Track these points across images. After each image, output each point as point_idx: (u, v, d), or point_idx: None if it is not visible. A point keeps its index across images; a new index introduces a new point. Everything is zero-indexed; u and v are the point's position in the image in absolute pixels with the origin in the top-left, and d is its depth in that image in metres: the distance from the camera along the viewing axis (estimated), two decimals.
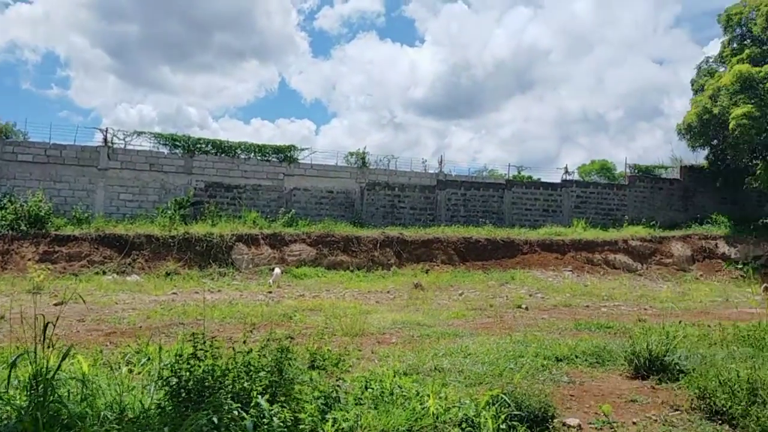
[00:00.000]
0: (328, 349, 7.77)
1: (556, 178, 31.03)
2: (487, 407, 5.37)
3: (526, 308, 15.22)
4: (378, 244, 23.94)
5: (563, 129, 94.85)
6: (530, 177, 31.70)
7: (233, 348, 5.62)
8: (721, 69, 29.24)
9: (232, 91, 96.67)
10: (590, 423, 5.90)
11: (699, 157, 31.79)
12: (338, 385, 5.70)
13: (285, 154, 26.73)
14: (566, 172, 31.45)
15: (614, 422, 5.87)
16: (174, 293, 16.66)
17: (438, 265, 23.76)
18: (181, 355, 5.22)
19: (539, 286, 20.59)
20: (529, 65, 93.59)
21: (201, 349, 5.24)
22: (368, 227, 25.94)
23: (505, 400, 5.53)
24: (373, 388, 5.80)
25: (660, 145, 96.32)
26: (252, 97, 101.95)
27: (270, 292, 17.55)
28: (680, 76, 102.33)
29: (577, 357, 8.48)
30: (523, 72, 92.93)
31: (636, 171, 31.79)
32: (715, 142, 28.29)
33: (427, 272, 22.85)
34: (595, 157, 72.25)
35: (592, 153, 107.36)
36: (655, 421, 6.01)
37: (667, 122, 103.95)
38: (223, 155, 25.99)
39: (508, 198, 29.33)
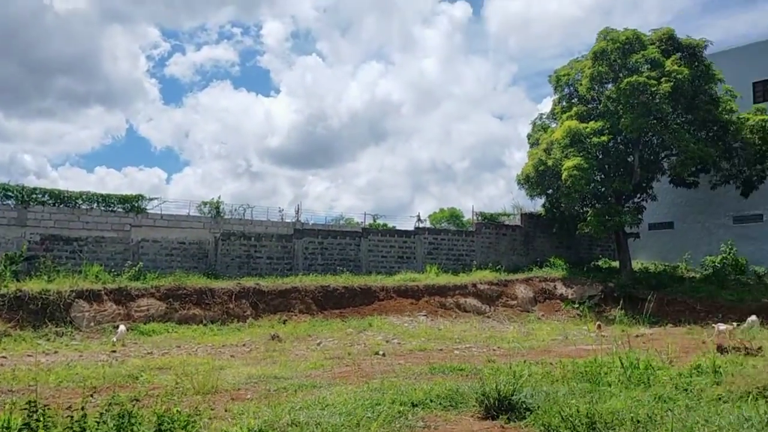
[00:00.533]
0: (177, 410, 7.33)
1: (409, 226, 32.02)
2: None
3: (383, 354, 15.37)
4: (233, 296, 23.25)
5: (415, 178, 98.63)
6: (385, 225, 32.47)
7: (71, 416, 5.15)
8: (553, 125, 31.94)
9: (73, 137, 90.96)
10: None
11: (537, 205, 34.28)
12: None
13: (132, 204, 25.38)
14: (419, 219, 32.62)
15: None
16: (2, 357, 15.07)
17: (296, 315, 23.46)
18: (9, 428, 4.70)
19: (396, 332, 20.93)
20: (382, 117, 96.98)
21: (33, 419, 4.75)
22: (223, 278, 25.14)
23: None
24: None
25: (503, 194, 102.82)
26: (96, 144, 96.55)
27: (114, 352, 16.37)
28: (519, 131, 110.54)
29: (431, 401, 8.65)
30: (376, 123, 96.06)
31: (482, 218, 33.59)
32: (550, 191, 30.61)
33: (284, 323, 22.47)
34: (445, 205, 75.64)
35: (442, 201, 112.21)
36: None
37: (508, 173, 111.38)
38: (62, 206, 24.19)
39: (364, 246, 29.77)
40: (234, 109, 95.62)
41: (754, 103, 31.07)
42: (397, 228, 31.83)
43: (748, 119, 27.93)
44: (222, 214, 27.46)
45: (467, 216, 38.76)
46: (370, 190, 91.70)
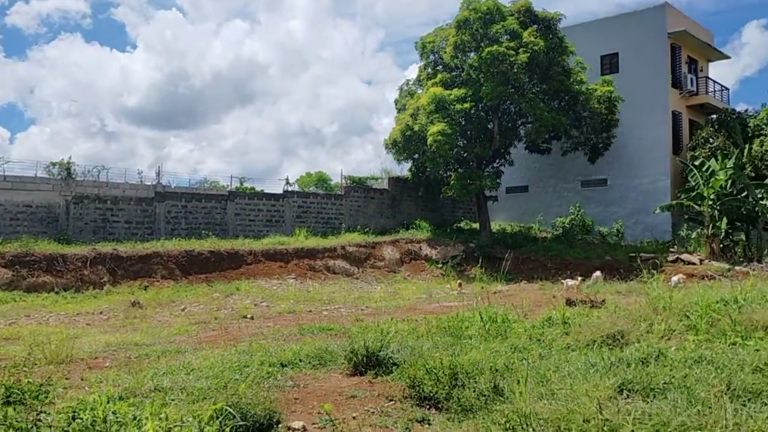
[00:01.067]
0: (27, 381, 6.84)
1: (278, 189, 31.63)
2: (211, 422, 5.20)
3: (252, 318, 15.20)
4: (88, 262, 21.91)
5: (283, 142, 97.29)
6: (253, 188, 31.81)
7: None
8: (420, 91, 32.56)
9: None
10: (314, 423, 6.07)
11: (404, 169, 34.98)
12: (39, 419, 5.04)
13: None
14: (288, 183, 32.30)
15: (336, 419, 6.12)
16: None
17: (158, 281, 22.56)
18: None
19: (264, 295, 20.73)
20: (248, 78, 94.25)
21: None
22: (77, 244, 23.58)
23: (229, 412, 5.42)
24: (82, 418, 5.23)
25: (371, 159, 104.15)
26: None
27: None
28: (386, 96, 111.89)
29: (301, 361, 8.69)
30: (242, 85, 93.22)
31: (351, 182, 33.81)
32: (416, 156, 31.32)
33: (146, 289, 21.54)
34: (313, 168, 75.36)
35: (311, 165, 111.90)
36: (373, 413, 6.42)
37: (376, 138, 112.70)
38: None
39: (231, 209, 29.04)
40: (85, 65, 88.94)
41: (602, 75, 33.37)
42: (266, 191, 31.31)
43: (596, 90, 29.98)
44: (74, 176, 25.64)
45: (336, 180, 38.96)
46: (236, 153, 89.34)
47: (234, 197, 29.42)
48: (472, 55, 29.76)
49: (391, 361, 8.14)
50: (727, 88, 37.59)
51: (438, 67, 31.69)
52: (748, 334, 9.08)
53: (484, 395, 6.38)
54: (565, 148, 31.44)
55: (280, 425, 5.79)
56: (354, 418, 6.25)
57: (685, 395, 5.95)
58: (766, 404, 5.71)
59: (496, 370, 7.13)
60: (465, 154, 30.34)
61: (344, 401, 6.88)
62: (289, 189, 31.77)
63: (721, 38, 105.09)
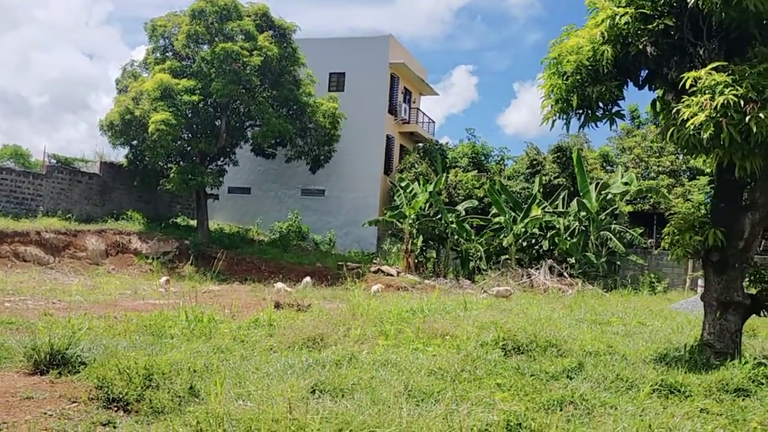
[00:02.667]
0: None
1: None
2: None
3: None
4: None
5: None
6: None
7: None
8: (145, 74, 30.74)
9: None
10: None
11: (120, 155, 32.62)
12: None
13: None
14: None
15: (3, 423, 5.44)
16: None
17: None
18: None
19: None
20: None
21: None
22: None
23: None
24: None
25: (85, 139, 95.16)
26: None
27: None
28: (109, 74, 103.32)
29: None
30: None
31: (56, 161, 30.48)
32: (135, 142, 29.47)
33: None
34: (13, 141, 66.38)
35: (11, 137, 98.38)
36: (51, 415, 5.84)
37: (93, 117, 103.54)
38: None
39: None
40: None
41: (329, 91, 35.08)
42: None
43: (322, 104, 31.35)
44: None
45: (37, 156, 34.80)
46: None
47: None
48: (205, 47, 29.04)
49: (79, 360, 7.50)
50: (434, 121, 42.24)
51: (168, 54, 30.28)
52: (428, 340, 10.24)
53: (179, 396, 6.23)
54: (290, 155, 32.27)
55: None
56: (26, 421, 5.61)
57: (369, 395, 6.50)
58: (436, 403, 6.49)
59: (195, 371, 7.01)
60: (189, 148, 29.40)
61: (17, 403, 6.15)
62: None
63: (434, 76, 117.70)
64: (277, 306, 14.37)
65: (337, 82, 36.74)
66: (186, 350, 8.39)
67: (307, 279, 22.97)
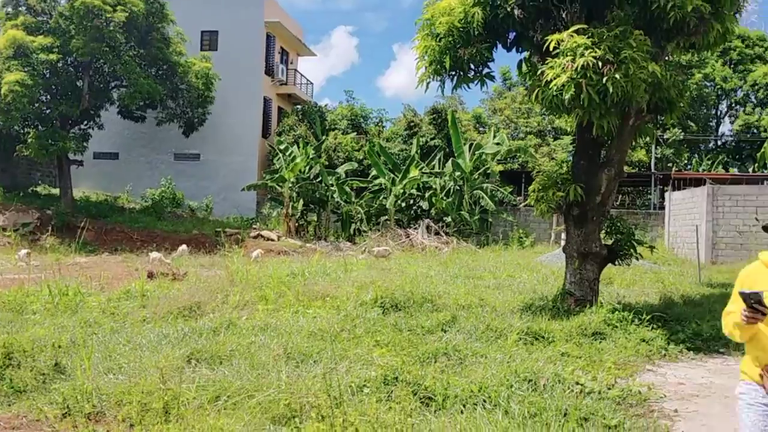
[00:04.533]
0: None
1: None
2: None
3: None
4: None
5: None
6: None
7: None
8: None
9: None
10: None
11: None
12: None
13: None
14: None
15: None
16: None
17: None
18: None
19: None
20: None
21: None
22: None
23: None
24: None
25: None
26: None
27: None
28: None
29: None
30: None
31: None
32: None
33: None
34: None
35: None
36: None
37: None
38: None
39: None
40: None
41: (201, 50, 33.57)
42: None
43: (194, 64, 30.01)
44: None
45: None
46: None
47: None
48: (62, 2, 26.87)
49: None
50: (312, 83, 41.76)
51: (21, 8, 27.69)
52: (309, 303, 10.30)
53: (43, 374, 5.91)
54: (161, 118, 30.77)
55: None
56: None
57: (248, 361, 6.46)
58: (315, 363, 6.56)
59: (59, 347, 6.65)
60: (48, 111, 27.28)
61: None
62: None
63: (314, 36, 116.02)
64: (151, 276, 13.86)
65: (209, 40, 35.26)
66: (50, 326, 7.93)
67: (183, 247, 22.21)
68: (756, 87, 42.21)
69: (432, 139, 33.42)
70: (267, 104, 36.15)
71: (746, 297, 3.04)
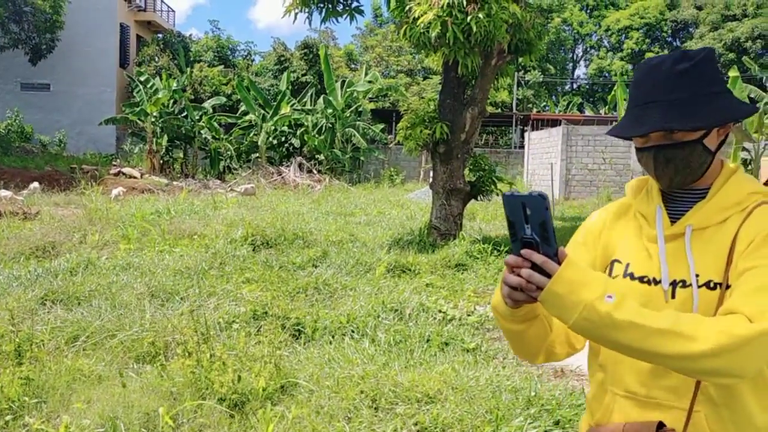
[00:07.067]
0: None
1: None
2: None
3: None
4: None
5: None
6: None
7: None
8: None
9: None
10: None
11: None
12: None
13: None
14: None
15: None
16: None
17: None
18: None
19: None
20: None
21: None
22: None
23: None
24: None
25: None
26: None
27: None
28: None
29: None
30: None
31: None
32: None
33: None
34: None
35: None
36: None
37: None
38: None
39: None
40: None
41: None
42: None
43: None
44: None
45: None
46: None
47: None
48: None
49: None
50: (173, 10, 39.26)
51: None
52: (175, 241, 9.97)
53: None
54: (3, 43, 27.90)
55: None
56: None
57: (109, 301, 6.21)
58: (182, 301, 6.43)
59: None
60: None
61: None
62: None
63: None
64: None
65: None
66: None
67: (35, 184, 20.62)
68: (609, 32, 44.91)
69: (303, 75, 32.83)
70: (124, 31, 33.68)
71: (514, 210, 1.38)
